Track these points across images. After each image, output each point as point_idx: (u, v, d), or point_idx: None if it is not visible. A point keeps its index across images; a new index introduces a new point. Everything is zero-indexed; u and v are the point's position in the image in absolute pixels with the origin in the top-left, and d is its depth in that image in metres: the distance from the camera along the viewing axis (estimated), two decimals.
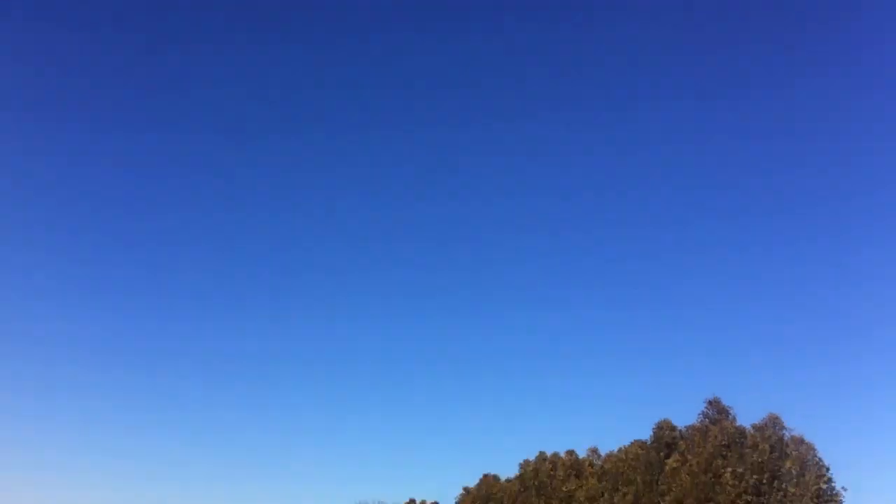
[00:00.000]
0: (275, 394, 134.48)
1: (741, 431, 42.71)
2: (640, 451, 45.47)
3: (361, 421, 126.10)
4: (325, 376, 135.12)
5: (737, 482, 40.02)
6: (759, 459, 39.95)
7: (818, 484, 36.56)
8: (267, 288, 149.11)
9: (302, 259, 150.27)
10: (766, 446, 40.17)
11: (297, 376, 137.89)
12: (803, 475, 37.21)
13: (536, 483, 47.61)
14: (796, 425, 41.17)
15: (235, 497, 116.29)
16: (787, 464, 38.23)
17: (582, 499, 45.09)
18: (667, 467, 43.15)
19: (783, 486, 37.34)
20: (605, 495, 44.70)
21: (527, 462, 51.15)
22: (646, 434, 46.89)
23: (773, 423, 40.87)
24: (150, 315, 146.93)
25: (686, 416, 44.43)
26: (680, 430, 45.94)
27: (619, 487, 44.35)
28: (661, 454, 44.65)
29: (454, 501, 61.06)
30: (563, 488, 46.35)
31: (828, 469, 37.80)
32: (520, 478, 50.98)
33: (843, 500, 36.89)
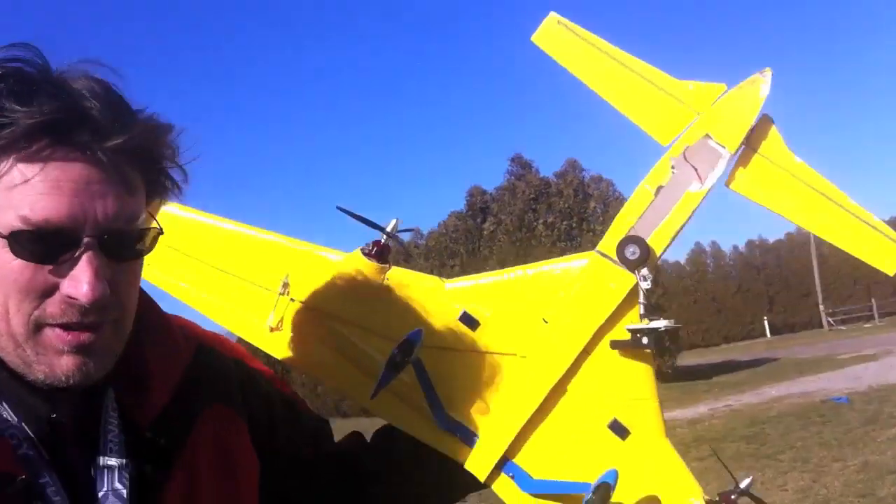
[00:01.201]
0: None
1: (546, 182, 43.77)
2: (457, 223, 46.13)
3: None
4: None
5: (549, 231, 41.51)
6: (566, 205, 41.32)
7: None
8: None
9: None
10: (570, 191, 41.43)
11: None
12: (607, 211, 39.00)
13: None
14: (593, 166, 43.20)
15: None
16: (591, 204, 39.83)
17: None
18: (485, 232, 44.13)
19: (591, 225, 39.17)
20: (435, 272, 45.41)
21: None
22: (460, 205, 47.48)
23: (573, 167, 42.03)
24: None
25: (495, 178, 45.20)
26: (490, 193, 46.64)
27: (446, 262, 45.26)
28: (478, 220, 45.53)
29: None
30: None
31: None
32: None
33: None
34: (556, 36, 1.98)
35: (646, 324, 1.69)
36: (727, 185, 1.85)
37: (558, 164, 42.30)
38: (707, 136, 1.83)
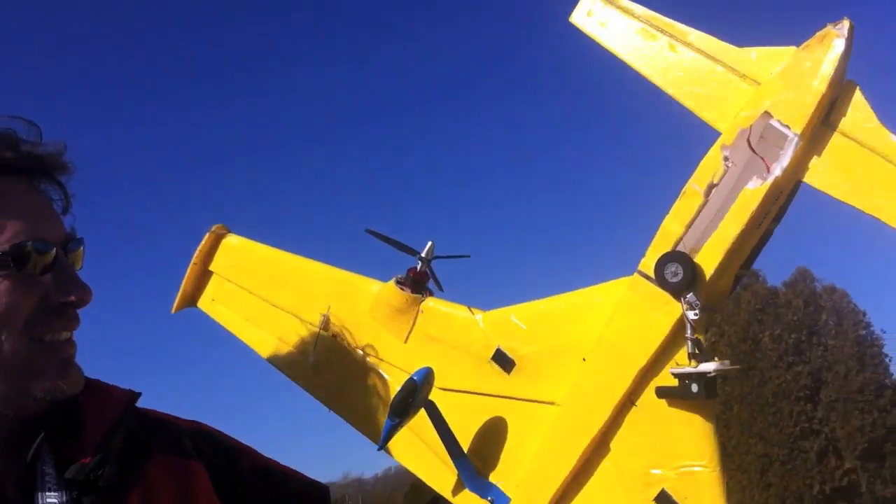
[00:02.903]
0: None
1: (773, 292, 41.32)
2: None
3: None
4: None
5: (776, 345, 38.90)
6: (795, 317, 38.62)
7: (857, 331, 35.31)
8: None
9: None
10: (800, 302, 38.70)
11: None
12: (841, 325, 35.96)
13: None
14: (826, 275, 39.77)
15: None
16: (823, 316, 36.92)
17: None
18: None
19: (822, 339, 36.22)
20: None
21: None
22: None
23: (804, 276, 39.36)
24: None
25: None
26: None
27: None
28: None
29: None
30: None
31: (864, 314, 36.45)
32: None
33: (885, 342, 35.70)
34: (594, 11, 1.69)
35: (693, 367, 1.38)
36: (801, 178, 1.48)
37: (787, 273, 39.76)
38: (766, 114, 1.45)
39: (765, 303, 40.56)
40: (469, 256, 1.91)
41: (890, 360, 36.59)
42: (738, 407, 38.76)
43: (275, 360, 1.98)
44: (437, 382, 1.68)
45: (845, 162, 1.42)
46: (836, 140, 1.43)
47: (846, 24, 1.42)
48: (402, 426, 1.56)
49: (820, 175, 1.45)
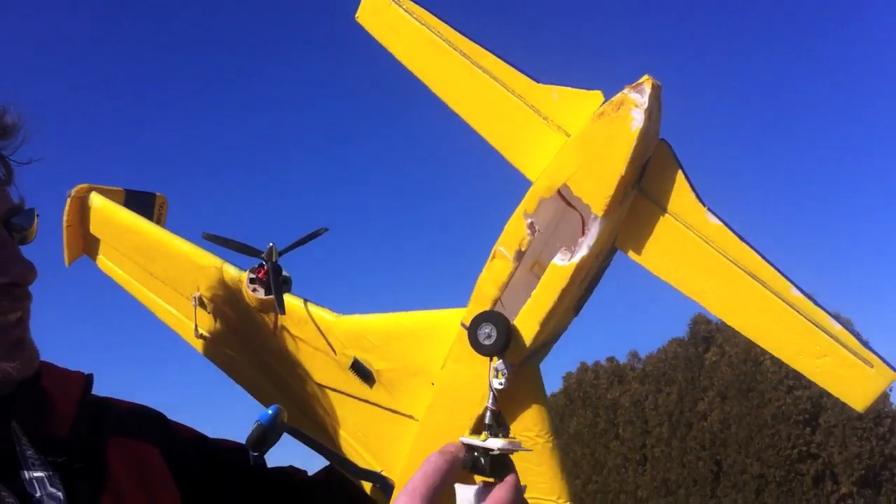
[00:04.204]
0: None
1: None
2: (678, 349, 44.75)
3: None
4: None
5: (777, 367, 39.18)
6: None
7: None
8: None
9: None
10: None
11: None
12: None
13: (581, 394, 47.54)
14: (831, 303, 39.19)
15: None
16: None
17: (627, 404, 44.72)
18: (706, 362, 42.50)
19: None
20: (650, 398, 44.41)
21: (569, 374, 50.97)
22: (681, 331, 46.18)
23: None
24: None
25: None
26: (716, 323, 45.02)
27: (663, 388, 43.92)
28: (700, 349, 44.00)
29: None
30: (608, 396, 46.14)
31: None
32: (564, 391, 50.98)
33: None
34: (382, 13, 1.50)
35: (482, 440, 1.21)
36: (618, 245, 1.37)
37: None
38: (566, 187, 1.31)
39: None
40: (327, 230, 1.77)
41: (890, 390, 36.59)
42: (736, 427, 39.04)
43: (168, 322, 1.97)
44: (313, 377, 1.73)
45: (659, 237, 1.31)
46: (648, 209, 1.31)
47: (647, 85, 1.24)
48: (263, 457, 1.62)
49: (637, 248, 1.32)
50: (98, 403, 1.49)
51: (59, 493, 1.25)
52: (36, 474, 1.25)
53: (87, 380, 1.46)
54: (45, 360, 1.41)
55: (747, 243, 1.27)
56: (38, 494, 1.23)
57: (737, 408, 38.55)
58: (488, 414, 1.27)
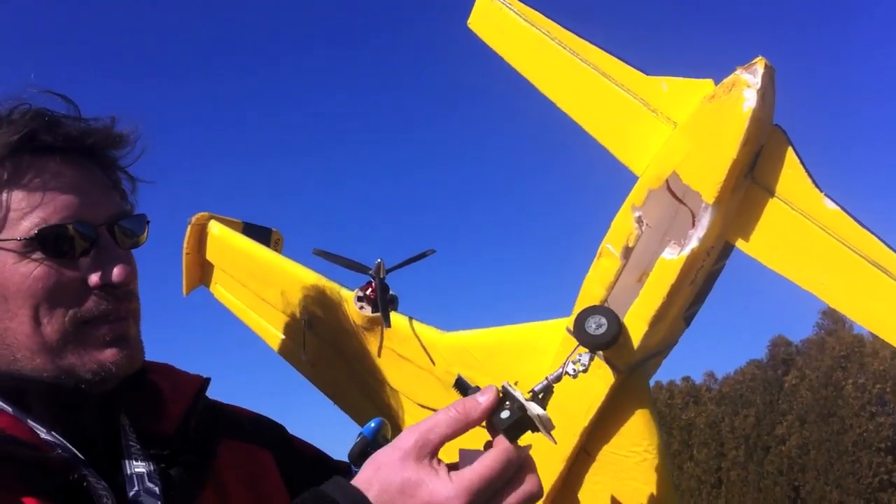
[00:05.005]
0: None
1: (859, 340, 40.61)
2: (756, 371, 44.07)
3: None
4: None
5: (859, 394, 38.32)
6: (881, 367, 37.99)
7: None
8: None
9: None
10: (887, 352, 38.08)
11: None
12: None
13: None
14: None
15: None
16: None
17: (702, 425, 44.39)
18: (786, 385, 41.77)
19: None
20: (726, 420, 43.95)
21: None
22: (760, 353, 45.47)
23: None
24: None
25: (800, 330, 42.13)
26: (796, 346, 44.15)
27: (739, 410, 43.35)
28: (779, 372, 43.24)
29: None
30: (683, 416, 45.81)
31: None
32: None
33: None
34: (493, 16, 1.51)
35: (526, 396, 1.14)
36: (731, 241, 1.28)
37: None
38: (675, 176, 1.24)
39: (850, 350, 39.85)
40: (434, 251, 1.80)
41: None
42: (815, 452, 38.28)
43: (276, 349, 2.01)
44: (414, 398, 1.74)
45: (775, 227, 1.22)
46: (762, 199, 1.23)
47: (759, 66, 1.18)
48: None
49: (749, 239, 1.25)
50: (215, 407, 1.55)
51: (156, 488, 1.29)
52: (137, 469, 1.29)
53: (203, 382, 1.50)
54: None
55: (868, 229, 1.17)
56: (135, 489, 1.27)
57: (816, 433, 37.84)
58: (544, 382, 1.16)
